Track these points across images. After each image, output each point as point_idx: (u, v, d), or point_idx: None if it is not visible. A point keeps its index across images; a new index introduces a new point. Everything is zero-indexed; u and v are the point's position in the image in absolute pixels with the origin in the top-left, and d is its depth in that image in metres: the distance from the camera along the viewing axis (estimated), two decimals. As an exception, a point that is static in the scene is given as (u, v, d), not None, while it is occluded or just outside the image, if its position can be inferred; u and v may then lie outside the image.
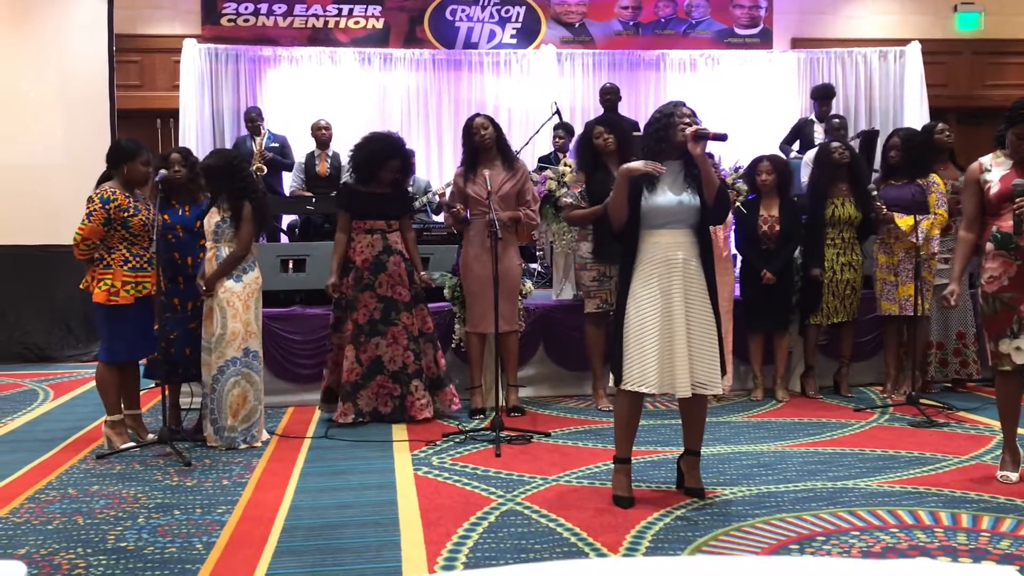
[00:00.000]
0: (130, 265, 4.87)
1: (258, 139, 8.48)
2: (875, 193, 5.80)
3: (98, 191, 4.86)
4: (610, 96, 8.04)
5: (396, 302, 5.45)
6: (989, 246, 4.13)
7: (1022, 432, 4.31)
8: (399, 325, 5.45)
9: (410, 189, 8.32)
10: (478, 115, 5.68)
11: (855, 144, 7.49)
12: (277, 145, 8.57)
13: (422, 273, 5.55)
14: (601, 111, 8.01)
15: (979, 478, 4.25)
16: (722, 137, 3.79)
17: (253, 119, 8.61)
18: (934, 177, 5.88)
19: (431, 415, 5.46)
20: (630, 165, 3.83)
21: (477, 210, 5.55)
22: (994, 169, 4.15)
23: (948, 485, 4.15)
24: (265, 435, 5.09)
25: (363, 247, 5.47)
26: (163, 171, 4.96)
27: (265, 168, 8.32)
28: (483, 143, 5.53)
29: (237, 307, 4.89)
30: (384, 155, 5.51)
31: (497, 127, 5.63)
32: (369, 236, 5.48)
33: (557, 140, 8.11)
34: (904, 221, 5.69)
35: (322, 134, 8.21)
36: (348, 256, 5.50)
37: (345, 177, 6.78)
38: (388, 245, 5.47)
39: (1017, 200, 3.97)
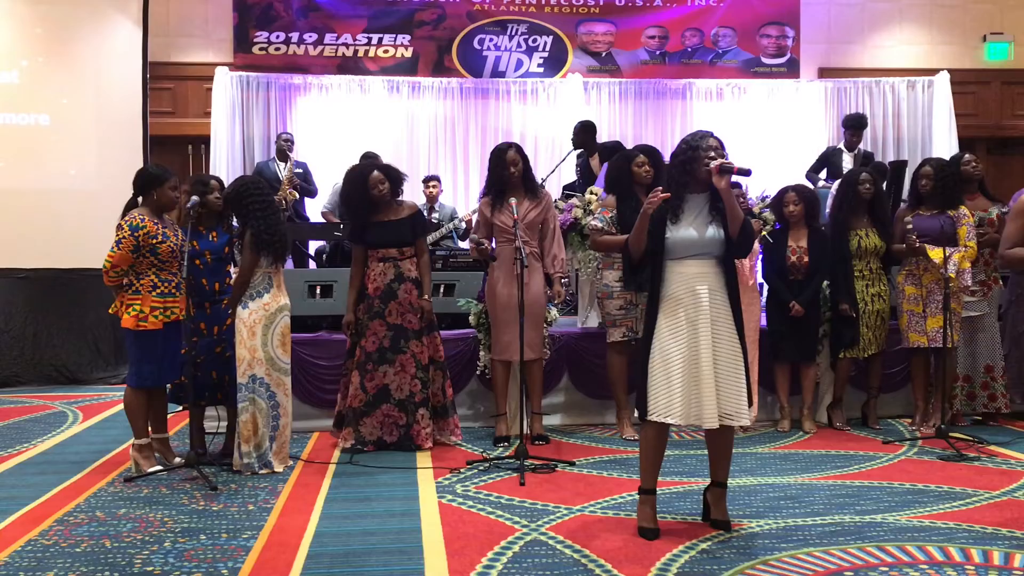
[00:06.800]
0: (159, 291, 4.93)
1: (284, 165, 8.55)
2: (910, 226, 5.74)
3: (127, 219, 4.92)
4: (582, 135, 7.75)
5: (406, 330, 5.45)
6: None
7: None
8: (408, 353, 5.44)
9: (436, 216, 8.43)
10: (510, 147, 5.60)
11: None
12: (301, 171, 8.66)
13: (425, 296, 5.46)
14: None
15: (1011, 514, 4.18)
16: (746, 172, 3.79)
17: (286, 140, 8.68)
18: (964, 209, 5.82)
19: (432, 444, 5.46)
20: (646, 206, 3.85)
21: (504, 238, 5.57)
22: None
23: (979, 521, 4.09)
24: (288, 461, 5.11)
25: (376, 275, 5.47)
26: (195, 197, 5.02)
27: (297, 194, 8.42)
28: (512, 178, 5.55)
29: (243, 334, 4.94)
30: (361, 178, 5.46)
31: (526, 159, 5.64)
32: (381, 264, 5.48)
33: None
34: (936, 253, 5.63)
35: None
36: (364, 285, 5.52)
37: None
38: (400, 273, 5.47)
39: None
